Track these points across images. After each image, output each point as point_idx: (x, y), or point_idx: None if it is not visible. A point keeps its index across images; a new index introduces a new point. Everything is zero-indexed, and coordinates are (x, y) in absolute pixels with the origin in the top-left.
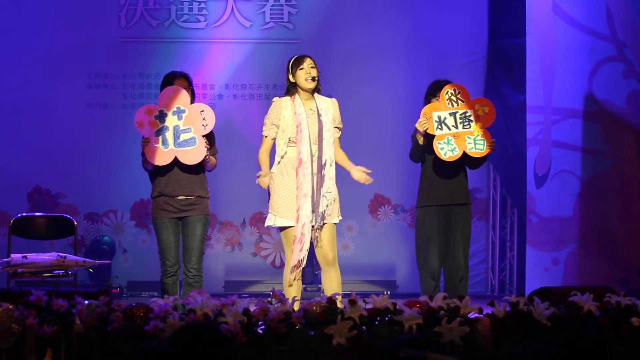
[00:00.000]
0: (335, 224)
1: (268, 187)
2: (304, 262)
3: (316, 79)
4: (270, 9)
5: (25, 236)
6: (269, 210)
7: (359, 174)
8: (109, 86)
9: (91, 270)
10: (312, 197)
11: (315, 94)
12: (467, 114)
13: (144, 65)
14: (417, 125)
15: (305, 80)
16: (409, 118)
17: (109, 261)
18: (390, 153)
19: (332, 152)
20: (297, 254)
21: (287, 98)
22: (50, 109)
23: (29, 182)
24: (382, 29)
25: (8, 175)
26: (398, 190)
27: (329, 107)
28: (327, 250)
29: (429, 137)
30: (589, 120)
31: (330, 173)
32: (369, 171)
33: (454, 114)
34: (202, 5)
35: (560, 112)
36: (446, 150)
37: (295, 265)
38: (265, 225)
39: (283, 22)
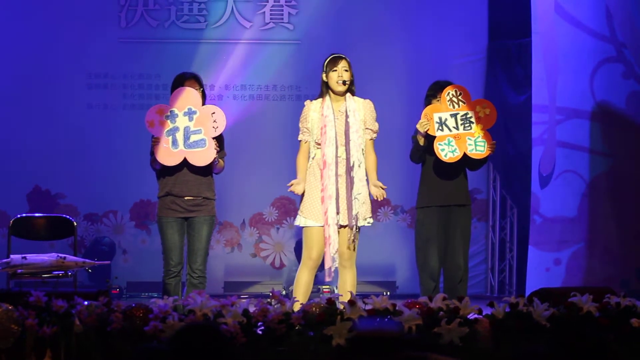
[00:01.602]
0: (360, 227)
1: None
2: (335, 263)
3: (347, 82)
4: (270, 10)
5: (24, 237)
6: (299, 211)
7: (375, 189)
8: (109, 86)
9: (90, 270)
10: (337, 198)
11: (348, 95)
12: (468, 116)
13: (144, 65)
14: (417, 126)
15: (337, 83)
16: (409, 119)
17: (109, 262)
18: (390, 154)
19: (360, 154)
20: (328, 257)
21: (318, 100)
22: (50, 109)
23: (28, 182)
24: (382, 29)
25: (8, 176)
26: (398, 191)
27: (359, 108)
28: (343, 250)
29: (430, 138)
30: (591, 121)
31: (359, 174)
32: (385, 187)
33: (454, 115)
34: (202, 5)
35: (563, 112)
36: (447, 151)
37: (329, 268)
38: (296, 225)
39: (283, 22)
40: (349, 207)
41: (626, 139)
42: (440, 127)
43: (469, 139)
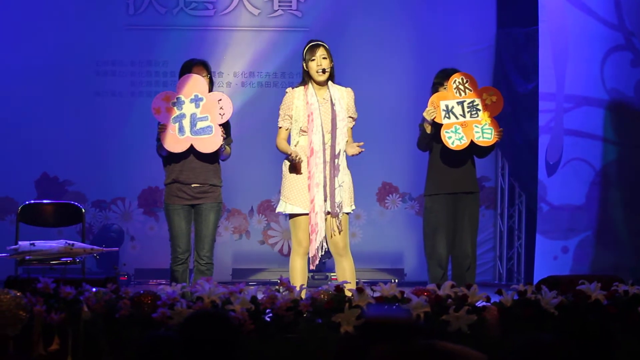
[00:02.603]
0: (347, 213)
1: (282, 173)
2: (321, 250)
3: (327, 70)
4: None
5: (33, 223)
6: (280, 197)
7: (352, 149)
8: (117, 74)
9: (97, 257)
10: (324, 186)
11: (330, 83)
12: (475, 103)
13: (152, 52)
14: (424, 114)
15: (317, 72)
16: (416, 106)
17: (117, 249)
18: (397, 141)
19: (344, 142)
20: (314, 245)
21: (301, 88)
22: (59, 97)
23: (36, 169)
24: (390, 17)
25: (16, 163)
26: (406, 178)
27: (343, 96)
28: (337, 240)
29: (437, 126)
30: (600, 108)
31: (343, 162)
32: (361, 143)
33: (461, 103)
34: None
35: (572, 99)
36: (454, 139)
37: (313, 256)
38: (276, 212)
39: (291, 10)
40: (332, 195)
41: (635, 127)
42: (447, 115)
43: (476, 126)
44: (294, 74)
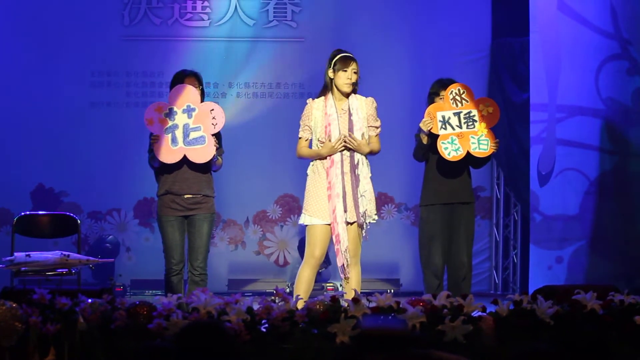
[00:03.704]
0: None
1: (305, 187)
2: (348, 260)
3: (355, 85)
4: (274, 8)
5: (28, 235)
6: (303, 210)
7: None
8: (112, 84)
9: (92, 267)
10: (344, 197)
11: (351, 94)
12: (472, 114)
13: (148, 63)
14: (421, 124)
15: (345, 84)
16: (412, 116)
17: (113, 259)
18: (393, 151)
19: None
20: (340, 255)
21: (321, 99)
22: (54, 107)
23: (32, 180)
24: (385, 27)
25: (11, 174)
26: (401, 188)
27: (361, 106)
28: (350, 248)
29: (433, 137)
30: (595, 118)
31: (364, 172)
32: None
33: (458, 114)
34: (206, 3)
35: (565, 109)
36: (450, 150)
37: (341, 266)
38: (300, 223)
39: (286, 20)
40: (356, 205)
41: (632, 136)
42: (443, 126)
43: (473, 137)
44: (289, 85)
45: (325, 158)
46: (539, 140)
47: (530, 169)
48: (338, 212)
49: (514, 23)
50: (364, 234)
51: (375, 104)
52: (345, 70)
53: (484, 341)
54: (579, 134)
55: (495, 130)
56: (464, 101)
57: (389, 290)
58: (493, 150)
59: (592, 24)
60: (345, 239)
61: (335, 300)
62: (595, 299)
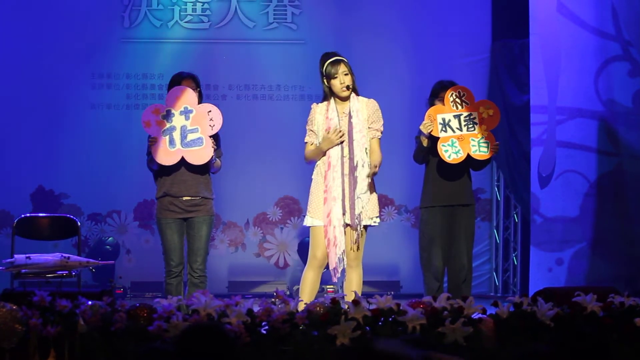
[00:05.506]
0: (365, 226)
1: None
2: (342, 263)
3: (350, 86)
4: (274, 10)
5: (28, 237)
6: (307, 212)
7: (368, 169)
8: (112, 87)
9: (93, 270)
10: (343, 199)
11: (353, 95)
12: (472, 117)
13: (148, 65)
14: (421, 127)
15: (341, 90)
16: (412, 119)
17: (113, 262)
18: (394, 154)
19: (364, 153)
20: (333, 257)
21: (324, 103)
22: (54, 109)
23: (32, 182)
24: (385, 29)
25: (11, 176)
26: (401, 191)
27: (362, 108)
28: (349, 250)
29: (433, 139)
30: (595, 120)
31: (362, 174)
32: (376, 168)
33: (458, 117)
34: (206, 5)
35: (565, 111)
36: (450, 152)
37: (334, 268)
38: (303, 225)
39: (286, 22)
40: (352, 207)
41: (632, 137)
42: (443, 128)
43: (473, 139)
44: (289, 87)
45: (326, 154)
46: (539, 142)
47: (530, 171)
48: (334, 215)
49: (514, 25)
50: (355, 236)
51: (376, 106)
52: (336, 77)
53: (484, 343)
54: (580, 136)
55: (495, 133)
56: (464, 103)
57: (389, 293)
58: (493, 152)
59: (592, 25)
60: (342, 242)
61: (335, 302)
62: (596, 301)
